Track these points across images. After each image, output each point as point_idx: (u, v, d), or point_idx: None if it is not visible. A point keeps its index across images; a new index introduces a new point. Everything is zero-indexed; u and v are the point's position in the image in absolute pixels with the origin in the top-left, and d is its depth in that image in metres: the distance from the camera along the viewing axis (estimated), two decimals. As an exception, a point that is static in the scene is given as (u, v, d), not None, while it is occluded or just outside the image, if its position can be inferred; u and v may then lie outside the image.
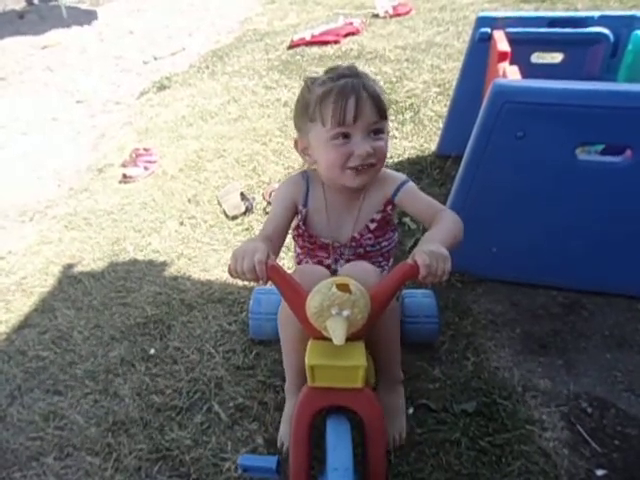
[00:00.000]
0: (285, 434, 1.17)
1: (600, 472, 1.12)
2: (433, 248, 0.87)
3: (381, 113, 1.02)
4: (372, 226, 1.14)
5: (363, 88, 1.00)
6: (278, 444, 1.19)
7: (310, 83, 1.07)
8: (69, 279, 1.87)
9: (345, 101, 0.99)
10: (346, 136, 1.01)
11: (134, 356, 1.50)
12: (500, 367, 1.37)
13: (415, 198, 1.12)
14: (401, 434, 1.17)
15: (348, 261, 1.16)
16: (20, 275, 1.92)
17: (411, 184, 1.13)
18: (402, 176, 1.15)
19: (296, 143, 1.12)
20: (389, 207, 1.13)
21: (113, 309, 1.69)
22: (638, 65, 1.73)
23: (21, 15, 5.47)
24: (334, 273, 1.16)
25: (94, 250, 2.00)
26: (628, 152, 1.36)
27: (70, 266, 1.94)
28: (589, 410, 1.25)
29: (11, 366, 1.53)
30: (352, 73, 1.04)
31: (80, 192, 2.44)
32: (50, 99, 3.59)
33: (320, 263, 1.19)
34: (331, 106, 1.00)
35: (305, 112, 1.05)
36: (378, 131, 1.03)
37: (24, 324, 1.69)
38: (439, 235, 0.96)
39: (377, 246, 1.17)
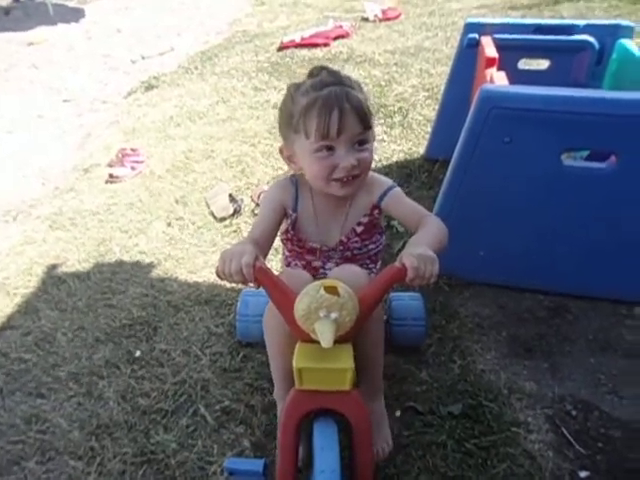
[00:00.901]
0: None
1: (583, 474, 1.14)
2: (420, 251, 0.87)
3: (365, 124, 1.01)
4: (359, 229, 1.14)
5: (346, 99, 0.98)
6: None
7: (293, 91, 1.05)
8: (53, 280, 1.84)
9: (328, 115, 0.97)
10: (330, 148, 1.01)
11: (119, 358, 1.48)
12: (486, 370, 1.38)
13: (401, 203, 1.12)
14: (388, 443, 1.15)
15: (337, 264, 1.16)
16: (3, 276, 1.89)
17: (397, 189, 1.14)
18: (389, 181, 1.15)
19: (281, 150, 1.12)
20: (375, 211, 1.14)
21: (98, 311, 1.67)
22: (622, 73, 1.77)
23: (6, 11, 5.38)
24: (323, 275, 1.16)
25: (79, 251, 1.98)
26: (612, 158, 1.39)
27: (54, 267, 1.91)
28: (573, 413, 1.26)
29: (-8, 368, 1.50)
30: (336, 80, 1.02)
31: (65, 192, 2.41)
32: (36, 97, 3.54)
33: (309, 265, 1.19)
34: (314, 120, 0.99)
35: (289, 123, 1.05)
36: (362, 142, 1.03)
37: (6, 325, 1.66)
38: (425, 239, 0.96)
39: (364, 249, 1.17)
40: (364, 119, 1.00)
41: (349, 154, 1.01)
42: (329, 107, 0.97)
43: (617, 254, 1.49)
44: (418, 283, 0.87)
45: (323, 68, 1.07)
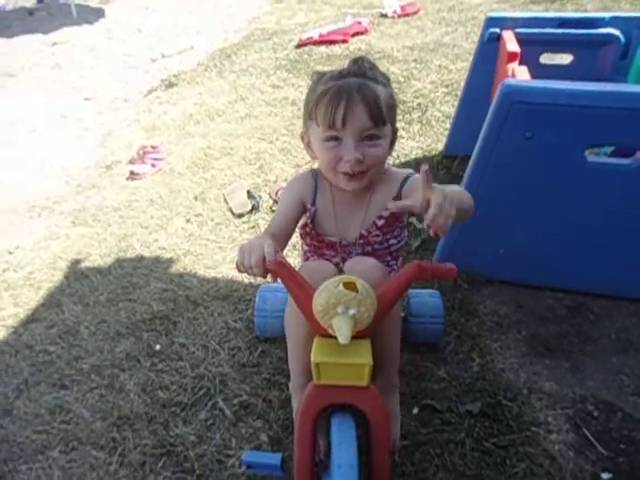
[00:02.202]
0: None
1: (605, 475, 1.12)
2: (438, 188, 0.80)
3: (375, 119, 0.98)
4: (380, 223, 1.13)
5: (359, 91, 0.97)
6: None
7: (317, 79, 1.06)
8: (76, 274, 1.88)
9: (336, 105, 0.97)
10: (337, 139, 1.01)
11: (140, 352, 1.51)
12: (505, 369, 1.36)
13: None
14: (397, 442, 1.15)
15: (356, 260, 1.16)
16: (28, 270, 1.94)
17: (416, 176, 1.12)
18: (406, 170, 1.14)
19: (302, 136, 1.13)
20: None
21: (119, 305, 1.70)
22: (649, 67, 1.72)
23: (31, 12, 5.49)
24: (341, 272, 1.16)
25: (101, 246, 2.01)
26: (638, 154, 1.36)
27: (77, 262, 1.95)
28: (595, 413, 1.24)
29: (18, 360, 1.55)
30: (358, 72, 1.01)
31: (88, 189, 2.46)
32: (59, 96, 3.61)
33: (328, 262, 1.19)
34: (323, 108, 0.99)
35: (306, 109, 1.06)
36: (374, 137, 1.01)
37: (31, 318, 1.70)
38: (449, 191, 0.86)
39: (385, 244, 1.17)
40: (375, 114, 0.98)
41: (355, 148, 0.99)
42: (338, 97, 0.97)
43: (642, 252, 1.46)
44: (437, 222, 0.79)
45: (362, 59, 1.06)
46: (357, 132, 0.99)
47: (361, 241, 1.15)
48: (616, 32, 1.80)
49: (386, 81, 1.05)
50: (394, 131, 1.08)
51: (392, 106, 1.05)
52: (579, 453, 1.16)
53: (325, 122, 0.99)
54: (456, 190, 0.95)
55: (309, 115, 1.05)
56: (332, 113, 0.97)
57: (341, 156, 1.01)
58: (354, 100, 0.97)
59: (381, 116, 1.00)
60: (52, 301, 1.76)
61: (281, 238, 1.05)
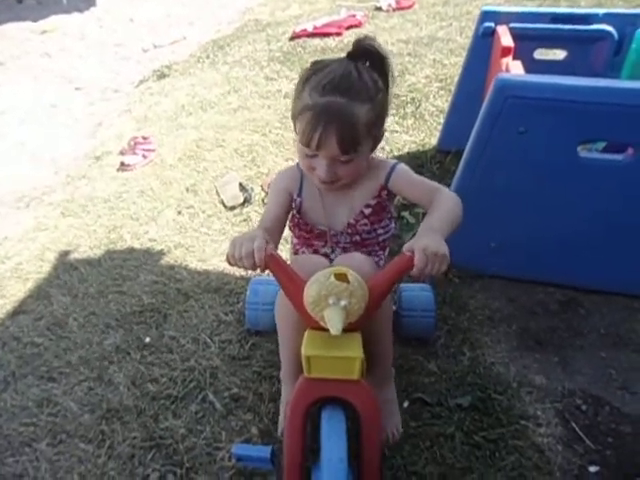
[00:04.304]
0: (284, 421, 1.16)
1: (593, 469, 1.13)
2: (433, 248, 0.83)
3: (347, 149, 0.97)
4: (367, 211, 1.13)
5: (337, 118, 0.94)
6: (279, 431, 1.19)
7: (305, 80, 1.01)
8: (65, 266, 1.86)
9: (313, 129, 0.95)
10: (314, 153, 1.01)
11: (129, 344, 1.50)
12: (496, 362, 1.37)
13: (408, 180, 1.10)
14: (397, 429, 1.17)
15: (344, 249, 1.16)
16: (15, 261, 1.91)
17: (401, 165, 1.12)
18: (391, 160, 1.14)
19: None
20: (384, 192, 1.12)
21: (109, 297, 1.69)
22: (642, 63, 1.72)
23: (20, 0, 5.40)
24: (331, 262, 1.16)
25: (90, 237, 1.99)
26: (629, 150, 1.36)
27: (66, 253, 1.93)
28: (583, 407, 1.25)
29: (5, 352, 1.53)
30: (342, 87, 0.96)
31: (77, 179, 2.43)
32: (48, 86, 3.56)
33: (316, 252, 1.19)
34: (301, 125, 0.98)
35: (293, 107, 1.04)
36: (349, 158, 1.00)
37: (19, 310, 1.68)
38: (439, 222, 0.93)
39: (373, 233, 1.16)
40: (348, 143, 0.96)
41: (327, 169, 1.00)
42: (316, 122, 0.95)
43: (631, 248, 1.46)
44: (424, 277, 0.87)
45: (360, 53, 1.02)
46: (330, 157, 1.00)
47: (349, 230, 1.15)
48: (610, 28, 1.81)
49: (369, 97, 0.98)
50: (377, 137, 1.06)
51: (375, 122, 1.01)
52: (567, 447, 1.17)
53: (302, 140, 0.99)
54: (445, 215, 0.96)
55: (293, 115, 1.03)
56: (308, 136, 0.97)
57: (314, 168, 1.02)
58: (330, 130, 0.95)
59: (356, 143, 0.98)
60: (40, 293, 1.74)
61: (274, 231, 1.04)
